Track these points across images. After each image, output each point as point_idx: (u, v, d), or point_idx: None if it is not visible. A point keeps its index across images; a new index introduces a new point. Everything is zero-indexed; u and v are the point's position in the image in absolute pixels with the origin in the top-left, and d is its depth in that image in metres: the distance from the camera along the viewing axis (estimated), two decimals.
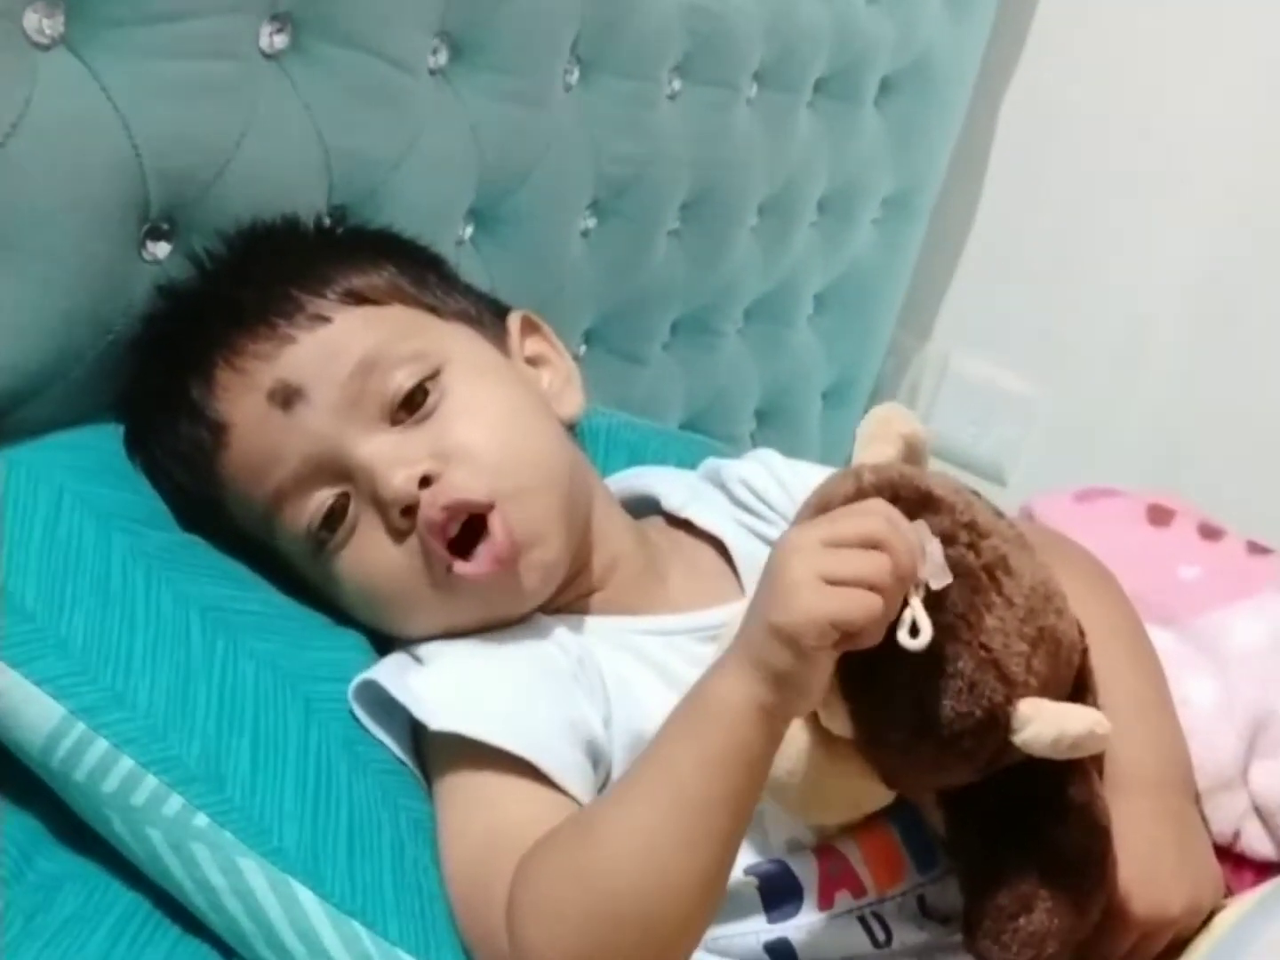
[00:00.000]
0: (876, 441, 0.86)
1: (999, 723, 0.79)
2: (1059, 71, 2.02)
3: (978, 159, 2.10)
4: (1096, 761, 0.90)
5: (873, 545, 0.76)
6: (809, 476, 1.03)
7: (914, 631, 0.76)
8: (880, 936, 0.90)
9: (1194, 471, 1.91)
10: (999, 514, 0.86)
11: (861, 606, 0.74)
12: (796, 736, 0.83)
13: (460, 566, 0.91)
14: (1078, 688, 0.86)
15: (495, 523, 0.91)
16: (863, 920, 0.91)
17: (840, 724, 0.82)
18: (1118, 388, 2.06)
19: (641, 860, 0.77)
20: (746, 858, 0.88)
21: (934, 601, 0.77)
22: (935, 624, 0.76)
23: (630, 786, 0.80)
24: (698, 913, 0.79)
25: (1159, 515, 1.23)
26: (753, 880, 0.90)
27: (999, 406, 2.15)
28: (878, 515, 0.78)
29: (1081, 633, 0.86)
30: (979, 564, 0.80)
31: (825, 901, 0.90)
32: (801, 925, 0.89)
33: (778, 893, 0.90)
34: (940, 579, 0.77)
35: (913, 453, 0.87)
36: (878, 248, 1.99)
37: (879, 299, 2.07)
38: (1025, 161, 2.09)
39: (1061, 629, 0.82)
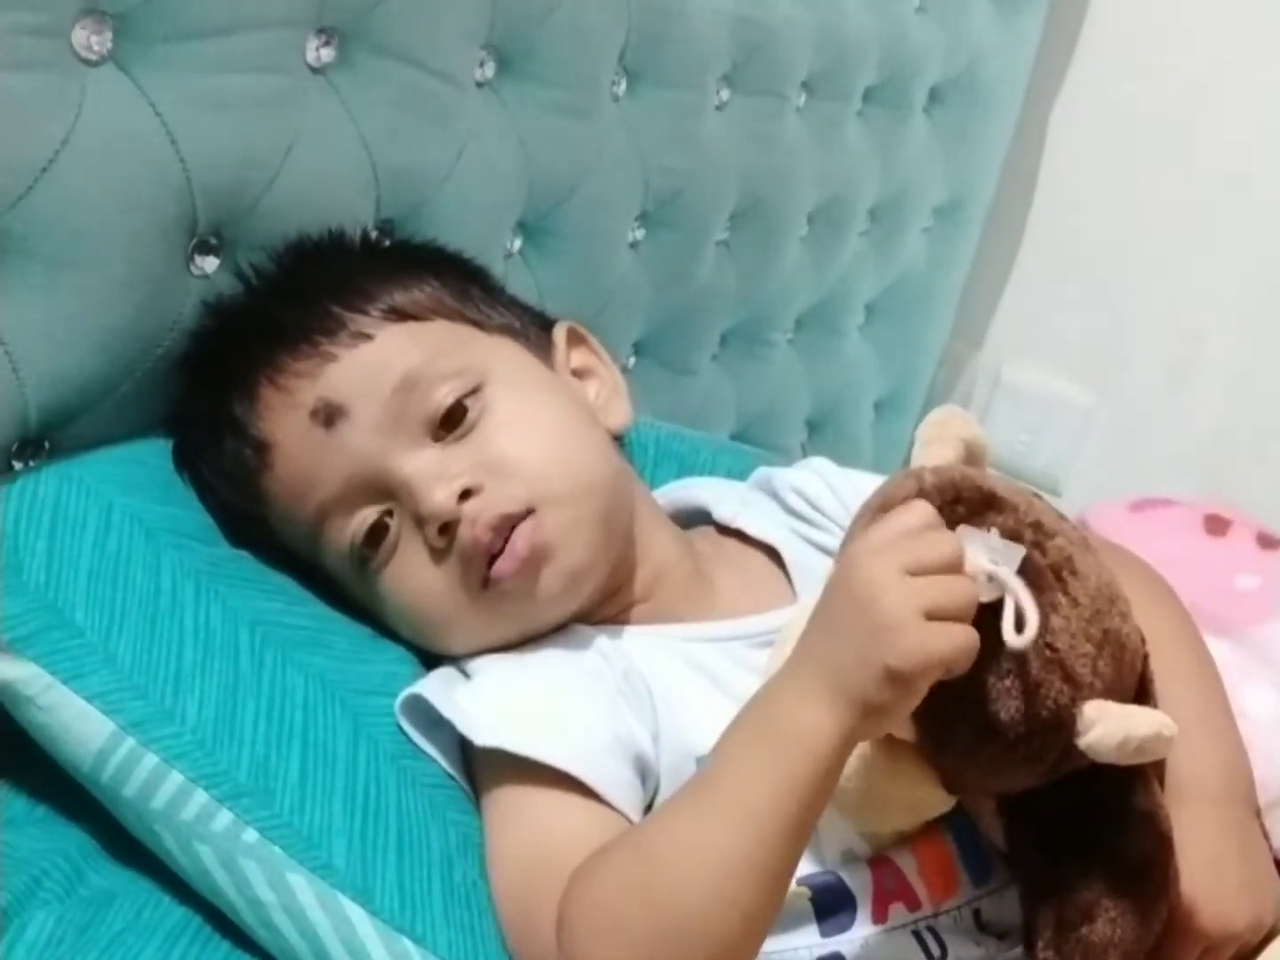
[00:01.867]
0: (935, 444, 0.86)
1: (1064, 725, 0.78)
2: (1111, 77, 2.01)
3: (1029, 166, 2.09)
4: (1158, 770, 0.89)
5: (952, 568, 0.76)
6: (862, 484, 1.02)
7: (1019, 626, 0.75)
8: (935, 952, 0.89)
9: (1250, 481, 1.89)
10: (1061, 517, 0.85)
11: (967, 641, 0.75)
12: (861, 745, 0.82)
13: (477, 567, 0.91)
14: (1140, 694, 0.85)
15: (522, 526, 0.91)
16: (917, 935, 0.90)
17: (903, 727, 0.81)
18: (1173, 396, 2.04)
19: (714, 884, 0.76)
20: (800, 868, 0.87)
21: (998, 604, 0.77)
22: (999, 625, 0.76)
23: (698, 806, 0.79)
24: (760, 934, 0.78)
25: (1216, 525, 1.22)
26: (805, 891, 0.88)
27: (1053, 416, 2.14)
28: (946, 534, 0.78)
29: (1143, 639, 0.85)
30: (1045, 563, 0.80)
31: (879, 915, 0.89)
32: (855, 939, 0.88)
33: (831, 905, 0.89)
34: (1013, 559, 0.77)
35: (972, 456, 0.87)
36: (929, 256, 1.98)
37: (931, 308, 2.06)
38: (1077, 168, 2.07)
39: (1126, 632, 0.82)
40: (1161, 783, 0.89)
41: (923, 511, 0.79)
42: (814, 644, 0.78)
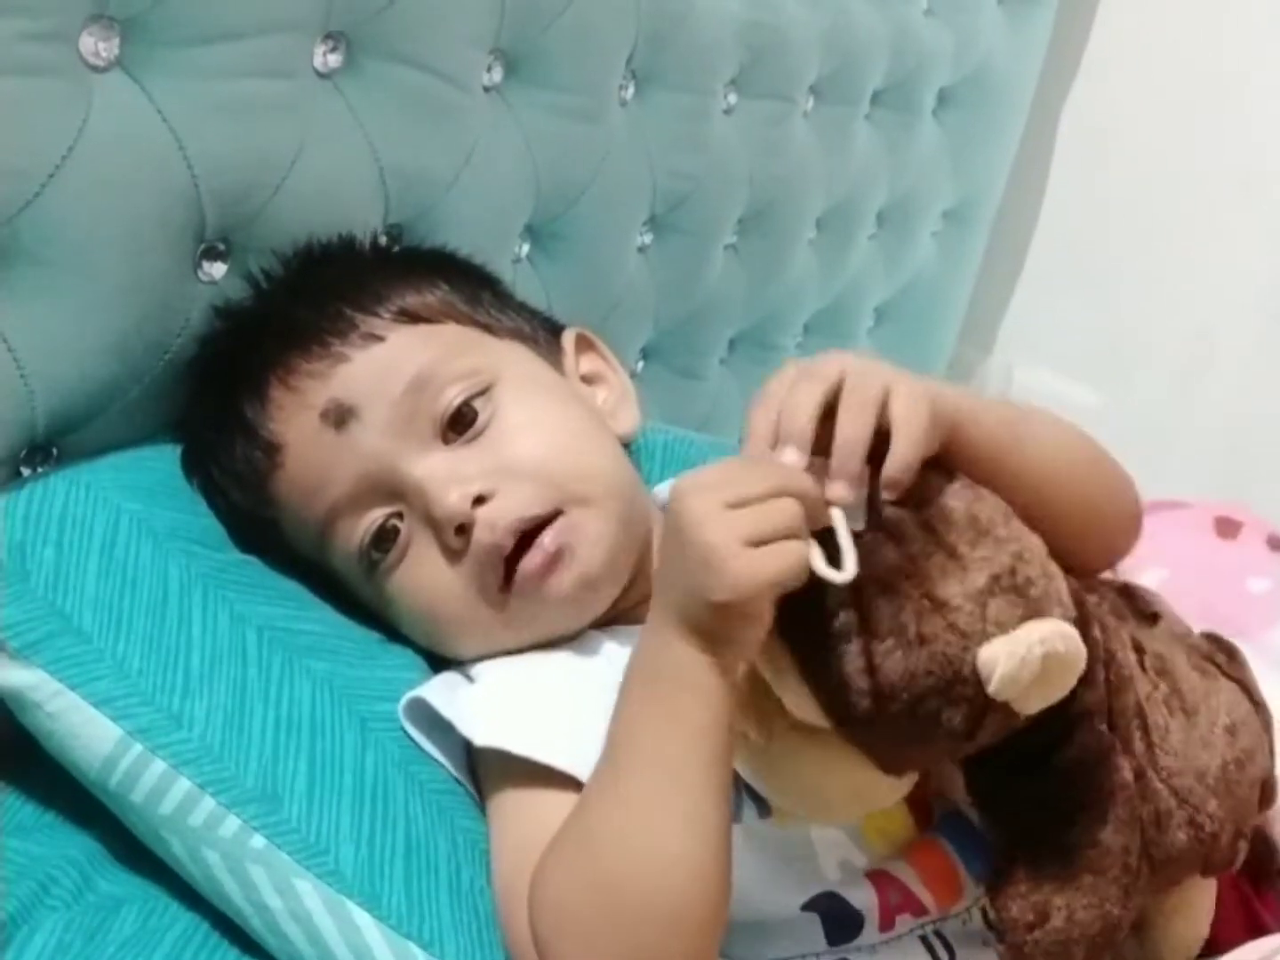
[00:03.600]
0: None
1: (962, 678, 0.75)
2: (1119, 79, 2.01)
3: (1038, 169, 2.09)
4: (1128, 742, 0.86)
5: (779, 495, 0.74)
6: None
7: (837, 565, 0.73)
8: (943, 956, 0.89)
9: (1261, 482, 1.88)
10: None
11: (792, 558, 0.73)
12: (787, 743, 0.81)
13: (497, 570, 0.91)
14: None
15: (553, 526, 0.91)
16: (924, 940, 0.89)
17: (810, 711, 0.79)
18: (1183, 397, 2.04)
19: (649, 849, 0.75)
20: (802, 892, 0.87)
21: (869, 562, 0.74)
22: (872, 581, 0.74)
23: (614, 777, 0.78)
24: (716, 884, 0.76)
25: (1227, 527, 1.22)
26: (812, 915, 0.88)
27: (1063, 418, 2.13)
28: (772, 465, 0.76)
29: (1064, 575, 0.81)
30: (918, 518, 0.77)
31: (886, 924, 0.89)
32: (862, 948, 0.88)
33: (838, 921, 0.88)
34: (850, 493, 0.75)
35: None
36: (938, 260, 1.98)
37: (940, 311, 2.06)
38: (1086, 171, 2.07)
39: (1028, 575, 0.78)
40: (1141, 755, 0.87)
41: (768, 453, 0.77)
42: (660, 583, 0.77)
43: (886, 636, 0.75)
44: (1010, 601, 0.76)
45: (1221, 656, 0.93)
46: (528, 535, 0.91)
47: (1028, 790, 0.83)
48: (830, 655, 0.76)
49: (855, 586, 0.74)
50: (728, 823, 0.77)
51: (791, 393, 0.76)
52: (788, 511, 0.73)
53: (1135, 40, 1.99)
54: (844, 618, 0.75)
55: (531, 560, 0.91)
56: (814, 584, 0.74)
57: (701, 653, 0.74)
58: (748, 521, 0.73)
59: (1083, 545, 0.88)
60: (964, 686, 0.75)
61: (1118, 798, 0.83)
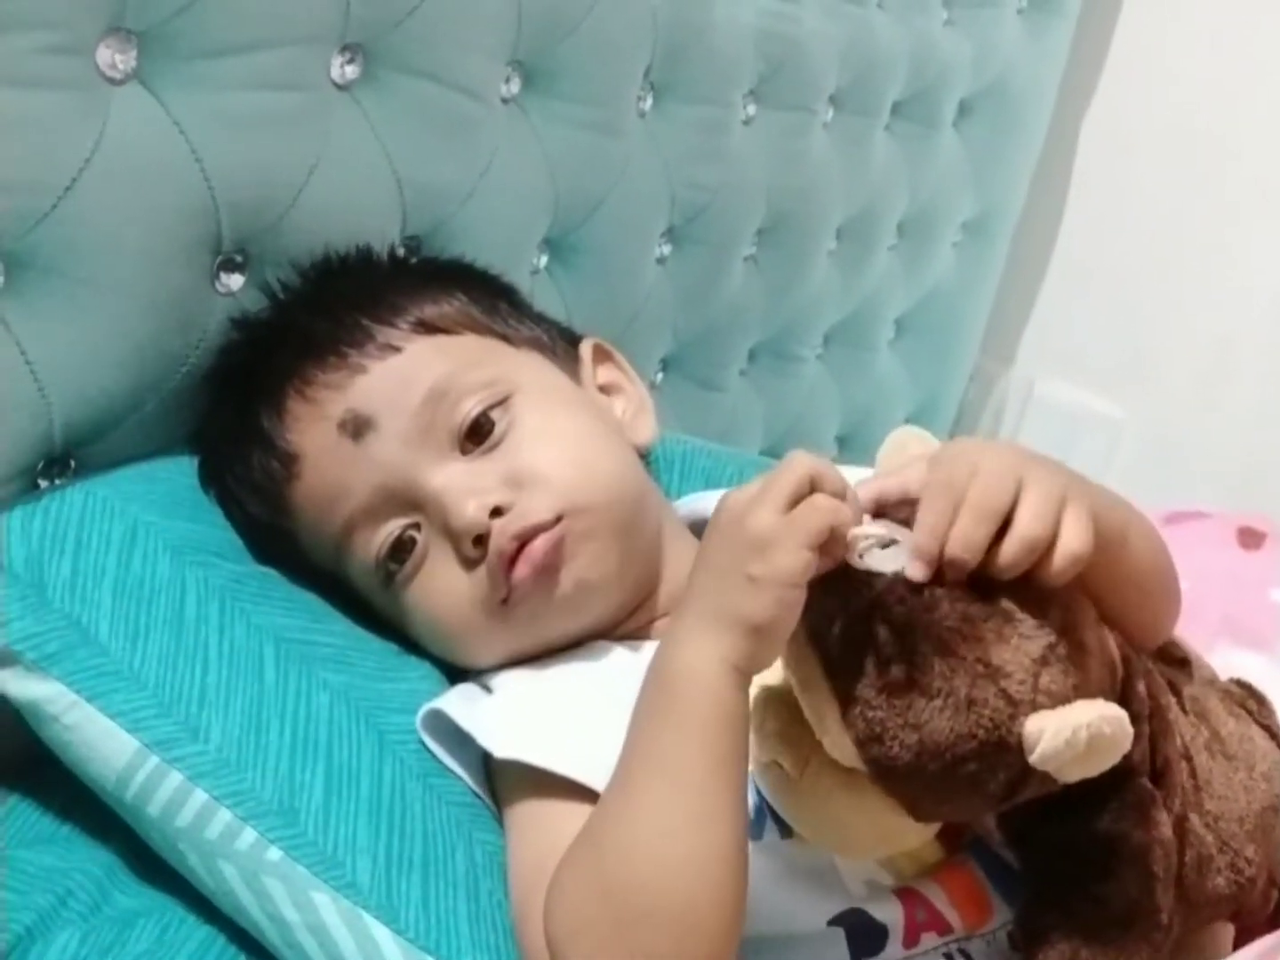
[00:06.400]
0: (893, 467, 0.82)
1: (1007, 746, 0.74)
2: (1139, 90, 2.00)
3: (1059, 180, 2.08)
4: (1170, 791, 0.86)
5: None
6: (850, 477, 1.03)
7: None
8: None
9: None
10: None
11: (826, 511, 0.73)
12: (820, 780, 0.80)
13: (502, 578, 0.91)
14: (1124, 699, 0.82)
15: (543, 534, 0.91)
16: (949, 957, 0.88)
17: (848, 756, 0.79)
18: (1205, 408, 2.03)
19: (655, 854, 0.74)
20: (827, 909, 0.86)
21: (926, 619, 0.75)
22: (928, 638, 0.74)
23: (624, 785, 0.77)
24: (728, 890, 0.75)
25: (1249, 538, 1.21)
26: (837, 930, 0.87)
27: (1085, 430, 2.13)
28: (802, 462, 0.76)
29: (1119, 644, 0.82)
30: (973, 576, 0.77)
31: (911, 940, 0.88)
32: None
33: (863, 936, 0.88)
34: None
35: None
36: (959, 271, 1.98)
37: (961, 323, 2.05)
38: (1107, 181, 2.06)
39: (1084, 640, 0.78)
40: (1175, 803, 0.86)
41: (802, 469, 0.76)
42: (693, 581, 0.77)
43: (936, 696, 0.75)
44: (1063, 670, 0.76)
45: (1253, 703, 0.93)
46: (529, 542, 0.91)
47: (1063, 838, 0.82)
48: (876, 707, 0.75)
49: (910, 642, 0.74)
50: (742, 826, 0.76)
51: (929, 504, 0.75)
52: (831, 507, 0.74)
53: (1155, 50, 1.99)
54: (895, 671, 0.75)
55: (520, 571, 0.91)
56: (867, 631, 0.75)
57: (720, 645, 0.73)
58: (779, 497, 0.73)
59: (1147, 633, 0.89)
60: (1007, 754, 0.75)
61: (1155, 854, 0.82)
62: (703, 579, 0.76)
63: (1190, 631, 0.95)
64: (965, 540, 0.74)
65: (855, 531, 0.75)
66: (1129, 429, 2.10)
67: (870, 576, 0.76)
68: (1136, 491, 2.05)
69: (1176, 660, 0.92)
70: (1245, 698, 0.93)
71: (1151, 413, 2.07)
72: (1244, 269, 1.96)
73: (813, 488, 0.74)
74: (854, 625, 0.76)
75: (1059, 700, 0.75)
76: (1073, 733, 0.73)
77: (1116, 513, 0.85)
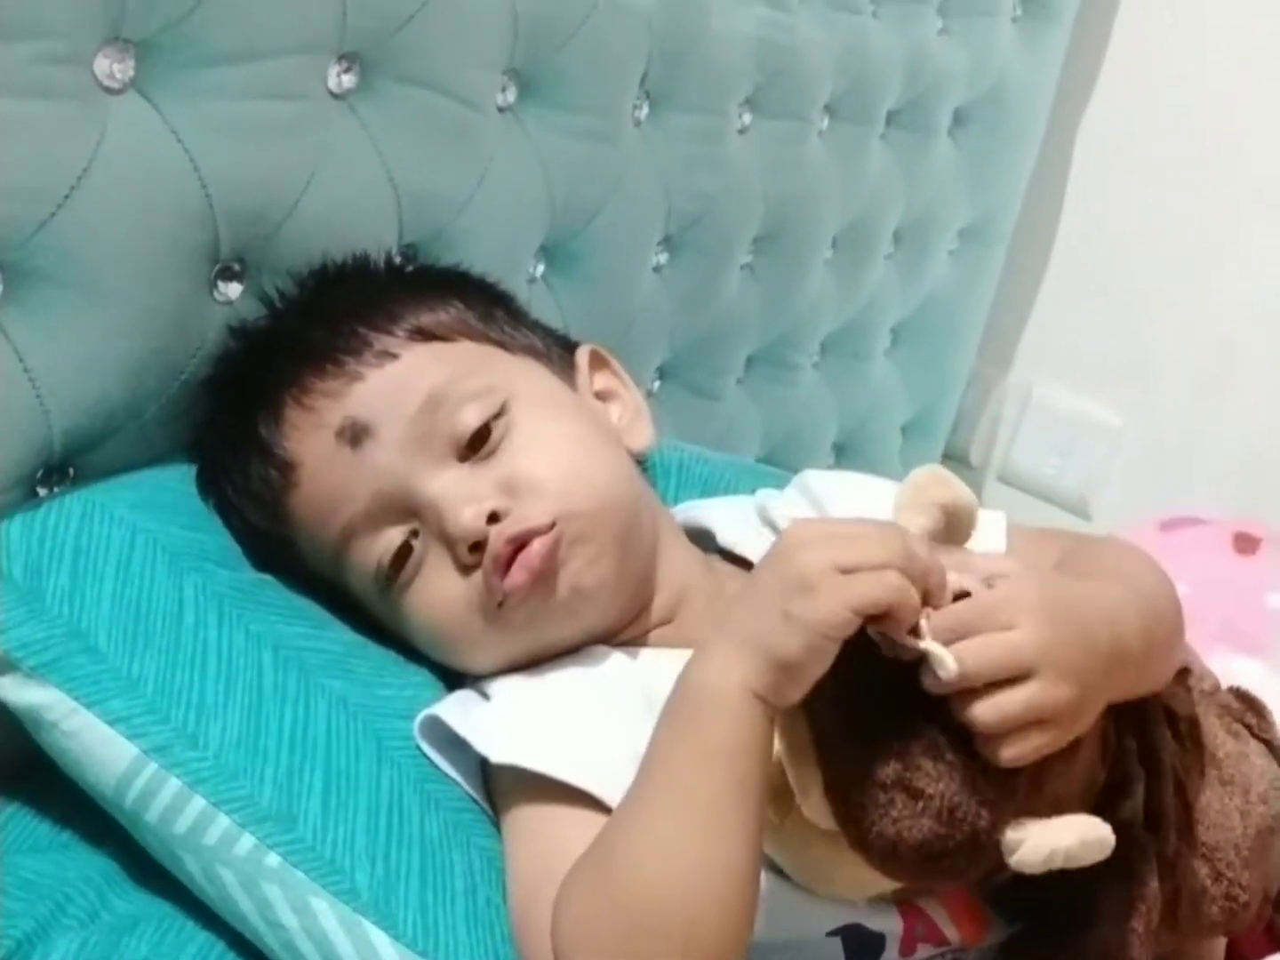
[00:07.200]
0: (909, 510, 0.81)
1: (982, 846, 0.75)
2: (1135, 95, 2.00)
3: (1055, 187, 2.08)
4: (1171, 837, 0.86)
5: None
6: (841, 486, 1.05)
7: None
8: None
9: None
10: None
11: (883, 585, 0.72)
12: (799, 830, 0.80)
13: (497, 582, 0.91)
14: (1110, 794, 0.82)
15: (538, 539, 0.91)
16: None
17: (827, 822, 0.79)
18: (1203, 415, 2.03)
19: (664, 870, 0.74)
20: (829, 920, 0.86)
21: (915, 722, 0.75)
22: (917, 739, 0.74)
23: (637, 798, 0.77)
24: (734, 909, 0.75)
25: (1245, 543, 1.21)
26: (835, 940, 0.87)
27: (1083, 437, 2.13)
28: (896, 537, 0.76)
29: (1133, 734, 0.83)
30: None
31: (907, 949, 0.88)
32: None
33: (861, 944, 0.88)
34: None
35: (954, 522, 0.81)
36: (955, 278, 1.98)
37: (958, 330, 2.05)
38: (1103, 187, 2.06)
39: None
40: (1183, 831, 0.86)
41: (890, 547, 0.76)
42: (734, 604, 0.77)
43: (920, 798, 0.75)
44: (1049, 775, 0.76)
45: (1252, 717, 0.93)
46: (524, 546, 0.91)
47: (1046, 889, 0.81)
48: (861, 796, 0.75)
49: (904, 744, 0.75)
50: (754, 847, 0.76)
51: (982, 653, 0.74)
52: (889, 548, 0.73)
53: (1150, 56, 1.99)
54: (892, 768, 0.75)
55: (515, 575, 0.91)
56: (866, 722, 0.75)
57: (746, 672, 0.74)
58: (845, 549, 0.73)
59: (1161, 682, 0.88)
60: (984, 853, 0.76)
61: (1137, 910, 0.82)
62: (746, 599, 0.77)
63: (1188, 638, 0.95)
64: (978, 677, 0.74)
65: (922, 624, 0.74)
66: (1128, 434, 2.10)
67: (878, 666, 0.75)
68: (1134, 499, 2.07)
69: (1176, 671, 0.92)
70: (1244, 712, 0.93)
71: (1150, 418, 2.07)
72: (1242, 274, 1.96)
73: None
74: (856, 713, 0.76)
75: (1049, 800, 0.76)
76: (1049, 853, 0.74)
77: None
